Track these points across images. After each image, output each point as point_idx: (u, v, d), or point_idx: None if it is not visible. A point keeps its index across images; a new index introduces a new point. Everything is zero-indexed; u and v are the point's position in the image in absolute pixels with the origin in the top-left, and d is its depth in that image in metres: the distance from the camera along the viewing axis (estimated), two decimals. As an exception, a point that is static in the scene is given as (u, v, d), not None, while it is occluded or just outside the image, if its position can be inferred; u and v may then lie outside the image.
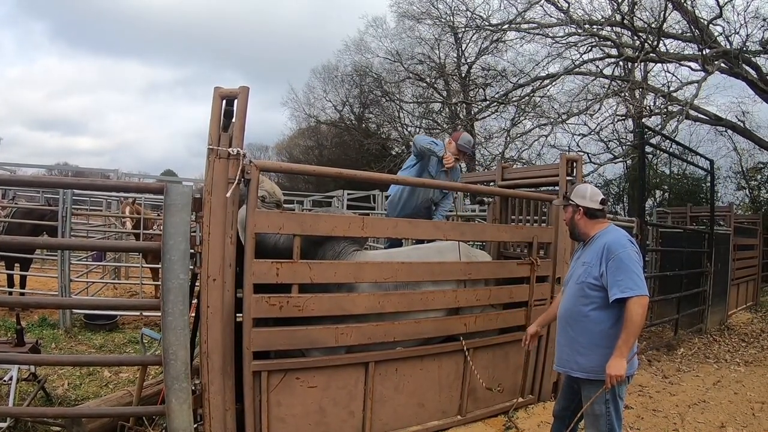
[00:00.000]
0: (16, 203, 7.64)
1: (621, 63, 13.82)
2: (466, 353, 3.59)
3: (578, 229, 2.75)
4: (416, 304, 3.34)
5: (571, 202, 2.76)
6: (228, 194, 2.76)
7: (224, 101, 2.83)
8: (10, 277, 6.99)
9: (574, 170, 4.25)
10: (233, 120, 2.85)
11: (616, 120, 14.34)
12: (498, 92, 17.50)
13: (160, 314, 2.75)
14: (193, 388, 2.88)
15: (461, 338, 3.59)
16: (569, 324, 2.67)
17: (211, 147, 2.80)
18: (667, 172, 18.65)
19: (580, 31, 12.96)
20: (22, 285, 6.97)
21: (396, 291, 3.33)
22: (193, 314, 3.00)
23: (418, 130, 20.63)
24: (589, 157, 13.85)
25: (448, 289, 3.53)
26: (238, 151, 2.80)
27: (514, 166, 5.77)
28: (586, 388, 2.61)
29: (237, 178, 2.78)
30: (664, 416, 4.08)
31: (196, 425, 2.91)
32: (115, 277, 9.12)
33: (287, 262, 2.92)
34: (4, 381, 3.68)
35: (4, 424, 3.20)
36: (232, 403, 2.92)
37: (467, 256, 3.75)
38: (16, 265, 6.98)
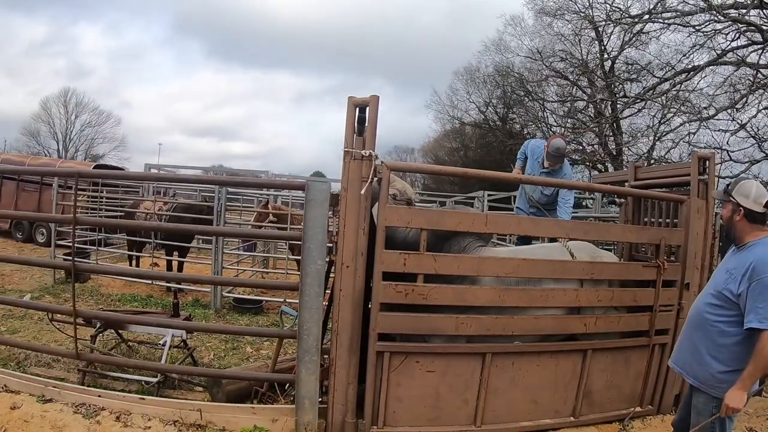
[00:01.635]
0: (176, 200, 8.91)
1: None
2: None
3: (735, 231, 2.51)
4: (536, 301, 3.39)
5: (731, 199, 2.49)
6: (362, 191, 3.08)
7: (357, 109, 3.16)
8: (168, 263, 8.15)
9: (707, 169, 3.97)
10: (366, 125, 3.16)
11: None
12: (644, 87, 16.35)
13: (290, 301, 3.16)
14: (322, 362, 3.26)
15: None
16: (695, 327, 2.56)
17: (346, 150, 3.16)
18: None
19: (720, 17, 11.68)
20: (179, 270, 8.07)
21: (517, 286, 3.42)
22: (326, 303, 3.38)
23: (563, 129, 20.05)
24: (729, 155, 12.46)
25: (570, 287, 3.53)
26: (370, 153, 3.13)
27: (646, 165, 5.50)
28: (696, 397, 2.54)
29: (370, 176, 3.10)
30: (792, 443, 3.68)
31: (320, 398, 3.29)
32: (264, 268, 10.08)
33: (414, 254, 3.16)
34: (159, 345, 4.38)
35: (154, 380, 3.81)
36: (355, 378, 3.24)
37: (592, 257, 3.71)
38: (174, 253, 8.12)
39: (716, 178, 4.24)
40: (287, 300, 7.02)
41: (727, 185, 2.62)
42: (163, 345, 4.09)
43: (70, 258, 3.78)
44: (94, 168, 13.71)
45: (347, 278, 3.15)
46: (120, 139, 35.04)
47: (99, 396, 3.34)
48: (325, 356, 3.38)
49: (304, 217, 3.21)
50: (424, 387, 3.31)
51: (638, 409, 3.84)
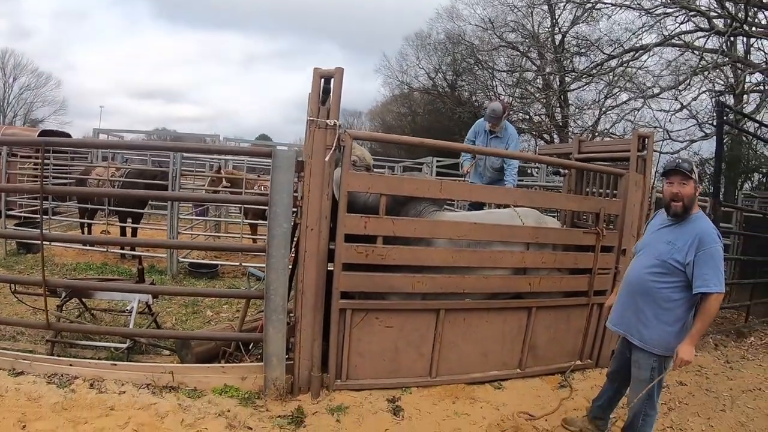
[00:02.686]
0: (128, 165, 8.67)
1: (723, 37, 12.83)
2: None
3: (691, 205, 2.69)
4: (485, 262, 3.66)
5: (693, 176, 2.67)
6: (326, 158, 3.22)
7: (322, 79, 3.27)
8: (122, 230, 7.97)
9: (646, 146, 4.31)
10: (330, 95, 3.28)
11: (711, 96, 13.48)
12: (593, 62, 16.79)
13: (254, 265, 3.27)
14: (288, 320, 3.43)
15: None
16: (639, 294, 2.79)
17: (311, 118, 3.27)
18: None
19: (670, 1, 12.21)
20: (134, 237, 7.91)
21: (468, 248, 3.67)
22: (290, 266, 3.53)
23: (511, 99, 20.21)
24: (668, 134, 13.21)
25: (516, 250, 3.80)
26: (334, 122, 3.26)
27: (591, 138, 5.87)
28: (637, 354, 2.83)
29: (333, 144, 3.24)
30: (715, 397, 4.06)
31: (287, 355, 3.47)
32: (217, 232, 10.05)
33: (374, 217, 3.35)
34: (123, 311, 4.42)
35: (123, 345, 3.87)
36: (320, 335, 3.44)
37: (537, 222, 4.00)
38: (128, 219, 7.96)
39: (658, 154, 4.60)
40: (243, 264, 7.16)
41: (688, 166, 2.71)
42: (130, 311, 4.10)
43: (21, 228, 3.73)
44: (39, 135, 13.02)
45: (312, 240, 3.30)
46: (60, 102, 32.85)
47: (70, 365, 3.36)
48: (290, 315, 3.55)
49: (270, 182, 3.32)
50: (383, 342, 3.54)
51: (578, 362, 4.19)
